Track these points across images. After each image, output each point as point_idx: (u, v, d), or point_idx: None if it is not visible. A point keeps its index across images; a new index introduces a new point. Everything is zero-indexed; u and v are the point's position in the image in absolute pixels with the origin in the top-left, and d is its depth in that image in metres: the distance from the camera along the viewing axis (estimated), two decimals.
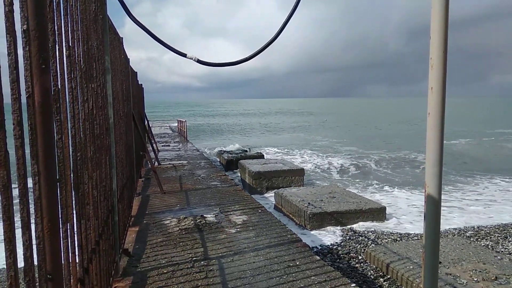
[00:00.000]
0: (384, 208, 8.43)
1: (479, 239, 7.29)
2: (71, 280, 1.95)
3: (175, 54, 3.81)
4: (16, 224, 1.23)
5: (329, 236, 7.43)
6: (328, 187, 10.38)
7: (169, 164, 11.87)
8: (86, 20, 2.63)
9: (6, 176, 1.19)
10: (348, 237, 7.25)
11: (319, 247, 6.83)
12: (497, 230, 7.90)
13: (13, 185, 1.23)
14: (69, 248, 1.91)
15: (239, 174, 14.23)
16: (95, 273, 2.57)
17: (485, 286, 4.56)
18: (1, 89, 1.16)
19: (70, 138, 2.02)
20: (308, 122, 57.58)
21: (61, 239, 1.63)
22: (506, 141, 27.57)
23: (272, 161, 14.08)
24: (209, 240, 4.92)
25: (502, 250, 6.68)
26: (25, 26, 1.34)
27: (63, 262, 1.68)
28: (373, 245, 6.74)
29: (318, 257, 4.30)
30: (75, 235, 2.06)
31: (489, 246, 6.84)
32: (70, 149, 2.01)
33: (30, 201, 1.33)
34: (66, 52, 1.99)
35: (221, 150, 20.54)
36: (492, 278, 4.74)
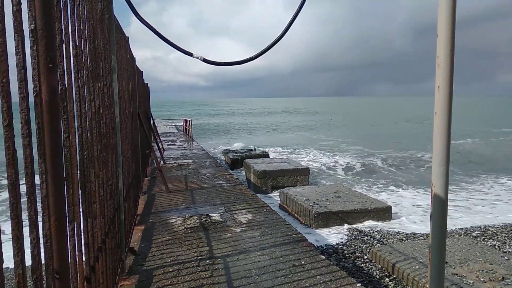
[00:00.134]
0: (390, 208, 8.40)
1: (485, 239, 7.23)
2: (78, 279, 1.97)
3: (181, 53, 3.82)
4: (23, 222, 1.24)
5: (335, 235, 7.41)
6: (334, 187, 10.36)
7: (175, 163, 11.91)
8: (92, 20, 2.64)
9: (14, 175, 1.20)
10: (353, 237, 7.23)
11: (325, 247, 6.82)
12: (504, 230, 7.84)
13: (20, 183, 1.24)
14: (76, 246, 1.92)
15: (244, 173, 14.24)
16: (102, 271, 2.58)
17: (492, 286, 4.53)
18: (9, 88, 1.17)
19: (77, 137, 2.03)
20: (313, 121, 57.47)
21: (68, 237, 1.64)
22: None
23: (277, 160, 14.07)
24: (215, 239, 4.93)
25: (509, 250, 6.62)
26: (32, 25, 1.35)
27: (70, 261, 1.69)
28: (378, 244, 6.71)
29: (323, 257, 4.30)
30: (82, 234, 2.08)
31: (496, 246, 6.79)
32: (77, 148, 2.03)
33: (37, 199, 1.34)
34: (73, 51, 2.00)
35: (226, 149, 20.56)
36: (499, 279, 4.70)
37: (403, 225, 8.24)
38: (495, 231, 7.75)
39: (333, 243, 6.99)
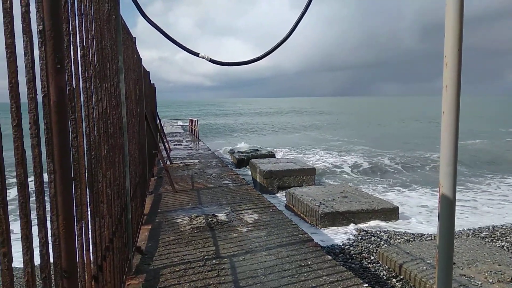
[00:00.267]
0: (396, 208, 8.35)
1: (494, 240, 7.16)
2: (86, 277, 1.98)
3: (187, 53, 3.83)
4: (31, 222, 1.26)
5: (341, 236, 7.39)
6: (340, 187, 10.33)
7: (181, 163, 11.94)
8: (99, 20, 2.66)
9: (23, 174, 1.21)
10: (360, 237, 7.20)
11: (331, 247, 6.80)
12: None
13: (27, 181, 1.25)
14: (84, 245, 1.94)
15: (249, 172, 14.25)
16: (109, 270, 2.60)
17: (501, 287, 4.49)
18: (18, 89, 1.18)
19: (84, 137, 2.05)
20: (320, 121, 57.34)
21: (76, 236, 1.65)
22: None
23: (283, 160, 14.05)
24: (221, 239, 4.94)
25: None
26: (41, 26, 1.36)
27: (78, 260, 1.70)
28: (385, 245, 6.68)
29: (330, 257, 4.28)
30: (90, 233, 2.09)
31: (505, 247, 6.72)
32: (85, 148, 2.04)
33: (46, 199, 1.35)
34: (80, 52, 2.01)
35: (232, 149, 20.59)
36: (508, 280, 4.66)
37: (410, 226, 8.19)
38: (503, 232, 7.67)
39: (340, 244, 6.97)
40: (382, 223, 8.02)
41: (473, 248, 5.73)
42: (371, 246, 6.72)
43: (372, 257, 6.19)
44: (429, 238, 7.17)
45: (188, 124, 29.55)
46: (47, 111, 1.38)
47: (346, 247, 6.77)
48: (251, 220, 5.71)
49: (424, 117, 57.84)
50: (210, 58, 3.84)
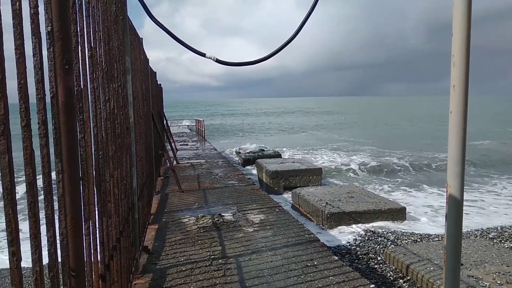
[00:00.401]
0: (404, 209, 8.30)
1: (502, 241, 7.10)
2: (93, 277, 1.99)
3: (193, 53, 3.84)
4: (40, 221, 1.27)
5: (347, 236, 7.36)
6: (346, 187, 10.29)
7: (187, 163, 11.98)
8: (107, 21, 2.68)
9: (32, 174, 1.23)
10: (366, 238, 7.17)
11: (337, 247, 6.77)
12: None
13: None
14: (91, 245, 1.95)
15: (255, 171, 14.25)
16: (116, 269, 2.62)
17: None
18: (27, 90, 1.20)
19: (92, 137, 2.06)
20: (326, 121, 57.18)
21: (84, 236, 1.66)
22: None
23: (290, 160, 14.03)
24: (227, 239, 4.95)
25: None
26: (49, 27, 1.37)
27: (85, 259, 1.72)
28: (392, 246, 6.64)
29: (336, 257, 4.27)
30: (97, 232, 2.11)
31: None
32: (93, 148, 2.05)
33: (54, 198, 1.36)
34: (88, 52, 2.03)
35: (238, 149, 20.63)
36: None
37: (418, 226, 8.13)
38: None
39: (346, 244, 6.94)
40: (389, 224, 7.97)
41: (481, 249, 5.68)
42: (378, 246, 6.68)
43: (379, 258, 6.16)
44: (437, 239, 7.12)
45: (194, 124, 29.65)
46: (56, 111, 1.39)
47: (353, 247, 6.74)
48: (257, 220, 5.71)
49: (431, 117, 57.43)
50: (217, 59, 3.84)
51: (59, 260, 1.40)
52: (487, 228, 8.10)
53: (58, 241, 1.39)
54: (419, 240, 7.08)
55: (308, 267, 4.02)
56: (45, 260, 1.28)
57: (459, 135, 1.85)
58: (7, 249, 1.12)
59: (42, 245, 1.25)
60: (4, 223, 1.12)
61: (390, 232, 7.47)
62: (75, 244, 1.43)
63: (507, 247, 6.60)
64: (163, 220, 5.89)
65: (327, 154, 22.00)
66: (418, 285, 4.99)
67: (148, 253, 4.48)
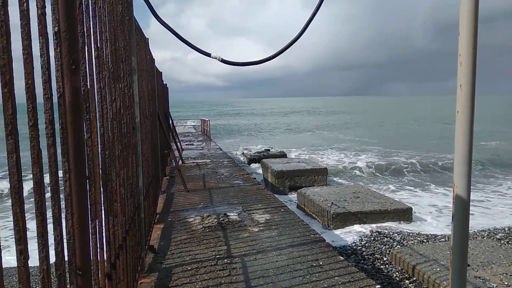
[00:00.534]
0: (410, 209, 8.26)
1: (510, 242, 7.03)
2: (99, 275, 2.01)
3: (199, 54, 3.85)
4: (47, 220, 1.28)
5: (353, 236, 7.34)
6: (352, 187, 10.25)
7: (193, 162, 12.01)
8: (113, 22, 2.69)
9: (39, 174, 1.24)
10: (372, 238, 7.14)
11: (343, 248, 6.76)
12: None
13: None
14: (98, 244, 1.96)
15: (260, 171, 14.25)
16: (122, 268, 2.63)
17: None
18: (34, 90, 1.21)
19: (99, 136, 2.08)
20: (331, 121, 57.02)
21: (90, 235, 1.67)
22: None
23: (295, 160, 14.02)
24: (232, 238, 4.95)
25: None
26: (56, 28, 1.38)
27: (92, 258, 1.73)
28: (398, 246, 6.61)
29: (341, 258, 4.26)
30: (103, 231, 2.12)
31: None
32: (99, 148, 2.07)
33: (61, 197, 1.37)
34: (95, 53, 2.04)
35: (244, 149, 20.66)
36: None
37: (424, 227, 8.09)
38: None
39: (352, 244, 6.92)
40: (395, 224, 7.93)
41: (488, 250, 5.64)
42: (384, 247, 6.66)
43: (385, 258, 6.14)
44: (443, 239, 7.07)
45: (200, 124, 29.70)
46: (63, 111, 1.40)
47: (358, 248, 6.72)
48: (263, 220, 5.71)
49: (438, 117, 57.03)
50: (222, 59, 3.85)
51: (66, 258, 1.41)
52: (494, 228, 8.03)
53: (65, 240, 1.41)
54: (425, 240, 7.04)
55: (313, 267, 4.02)
56: (52, 258, 1.29)
57: (466, 135, 1.84)
58: (14, 248, 1.13)
59: (49, 244, 1.27)
60: (12, 222, 1.13)
61: (396, 233, 7.44)
62: (81, 243, 1.44)
63: None
64: (169, 219, 5.91)
65: (333, 154, 21.95)
66: (424, 286, 4.96)
67: (154, 252, 4.50)
